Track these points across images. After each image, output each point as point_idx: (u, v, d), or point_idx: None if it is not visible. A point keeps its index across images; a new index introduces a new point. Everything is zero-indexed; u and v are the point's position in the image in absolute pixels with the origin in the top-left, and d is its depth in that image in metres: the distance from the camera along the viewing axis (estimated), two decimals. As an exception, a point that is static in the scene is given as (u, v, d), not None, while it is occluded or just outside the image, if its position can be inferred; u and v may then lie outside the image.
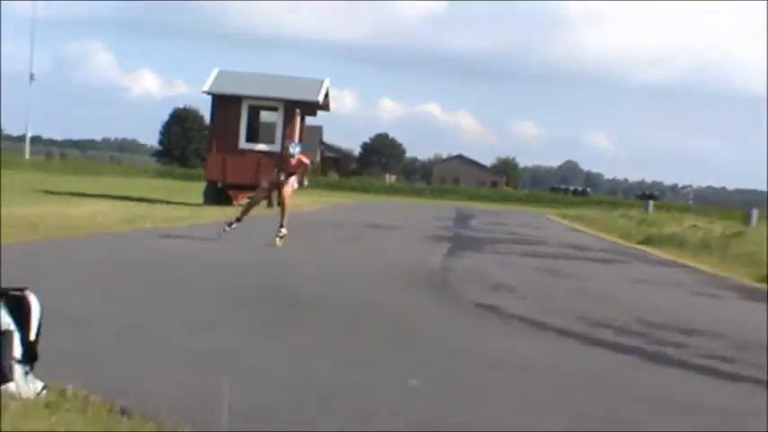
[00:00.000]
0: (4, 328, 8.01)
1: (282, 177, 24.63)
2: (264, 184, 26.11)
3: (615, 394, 12.03)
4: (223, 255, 23.79)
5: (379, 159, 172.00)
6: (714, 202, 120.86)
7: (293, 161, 24.24)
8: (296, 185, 26.43)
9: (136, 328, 13.23)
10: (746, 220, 58.82)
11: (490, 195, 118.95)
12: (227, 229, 24.81)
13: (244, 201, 47.66)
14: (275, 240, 24.36)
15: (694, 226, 56.22)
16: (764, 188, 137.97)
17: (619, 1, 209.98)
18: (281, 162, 24.74)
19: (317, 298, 18.11)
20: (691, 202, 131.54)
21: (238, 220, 25.18)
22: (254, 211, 26.58)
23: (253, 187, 48.15)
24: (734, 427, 10.72)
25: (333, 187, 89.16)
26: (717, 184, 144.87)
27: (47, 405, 7.73)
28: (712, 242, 45.12)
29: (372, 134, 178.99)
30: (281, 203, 24.49)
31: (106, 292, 16.45)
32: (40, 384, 8.06)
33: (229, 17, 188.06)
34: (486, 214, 70.99)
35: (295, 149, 24.46)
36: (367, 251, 32.38)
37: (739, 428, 10.69)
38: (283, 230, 25.10)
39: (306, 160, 25.74)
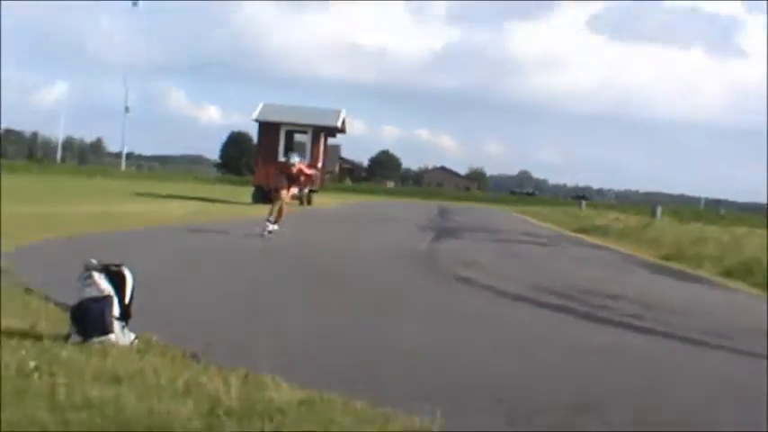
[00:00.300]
0: (105, 293, 8.35)
1: (285, 182, 23.68)
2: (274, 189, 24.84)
3: (557, 338, 12.44)
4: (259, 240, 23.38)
5: (382, 170, 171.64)
6: (629, 201, 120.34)
7: (294, 169, 23.41)
8: (295, 191, 25.52)
9: (201, 285, 13.18)
10: (653, 214, 59.81)
11: (465, 197, 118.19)
12: (269, 230, 23.44)
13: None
14: (264, 233, 23.08)
15: (616, 219, 56.72)
16: (666, 190, 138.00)
17: (561, 53, 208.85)
18: (283, 168, 24.08)
19: (335, 268, 18.30)
20: (613, 201, 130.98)
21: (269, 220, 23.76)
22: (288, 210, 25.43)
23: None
24: (645, 366, 10.94)
25: (347, 190, 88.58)
26: (632, 187, 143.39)
27: (138, 351, 8.04)
28: (628, 231, 45.59)
29: (377, 151, 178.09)
30: (280, 204, 23.37)
31: (179, 261, 16.86)
32: (132, 336, 8.38)
33: (272, 65, 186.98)
34: (462, 210, 70.48)
35: (294, 159, 23.80)
36: (372, 235, 32.42)
37: (650, 368, 10.84)
38: (270, 226, 23.52)
39: (308, 171, 24.81)
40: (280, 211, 23.52)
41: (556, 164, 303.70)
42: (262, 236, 22.74)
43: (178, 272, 16.33)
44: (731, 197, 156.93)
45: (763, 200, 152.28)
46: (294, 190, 24.54)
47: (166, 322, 9.77)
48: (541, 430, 7.12)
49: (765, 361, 11.45)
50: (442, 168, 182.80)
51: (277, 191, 23.37)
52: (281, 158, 49.91)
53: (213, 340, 8.59)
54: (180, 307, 11.89)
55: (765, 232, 44.10)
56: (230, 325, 10.95)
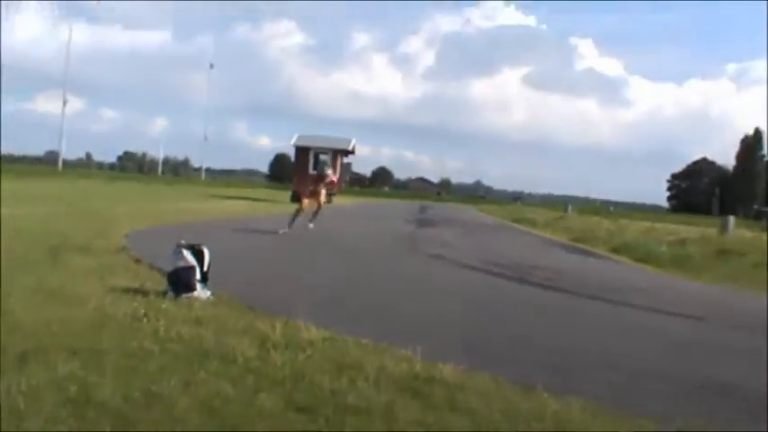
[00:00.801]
0: (191, 264, 8.44)
1: (320, 188, 22.44)
2: (306, 194, 22.92)
3: (501, 295, 12.45)
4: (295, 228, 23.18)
5: (380, 179, 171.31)
6: (549, 201, 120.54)
7: (328, 179, 22.76)
8: (324, 196, 23.64)
9: (259, 258, 13.16)
10: (565, 210, 60.03)
11: (437, 199, 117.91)
12: (311, 225, 21.83)
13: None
14: (309, 225, 21.51)
15: (540, 213, 57.11)
16: (574, 194, 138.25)
17: (502, 99, 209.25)
18: (320, 179, 22.65)
19: (344, 246, 18.22)
20: (538, 202, 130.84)
21: (292, 221, 21.29)
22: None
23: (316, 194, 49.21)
24: (554, 312, 11.03)
25: (355, 194, 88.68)
26: (551, 192, 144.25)
27: (213, 303, 8.07)
28: (549, 221, 45.61)
29: (376, 166, 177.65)
30: (318, 205, 22.34)
31: (243, 242, 16.59)
32: (209, 293, 8.41)
33: (304, 108, 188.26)
34: (436, 207, 70.47)
35: (328, 172, 22.95)
36: (373, 221, 32.21)
37: (557, 313, 10.97)
38: (311, 225, 21.66)
39: (335, 179, 24.83)
40: (318, 208, 22.32)
41: (499, 175, 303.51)
42: (310, 224, 21.62)
43: (242, 242, 16.29)
44: (618, 199, 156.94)
45: (637, 201, 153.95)
46: (324, 194, 23.16)
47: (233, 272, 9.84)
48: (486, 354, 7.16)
49: (633, 309, 11.61)
50: (421, 179, 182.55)
51: (313, 194, 22.16)
52: (312, 171, 50.42)
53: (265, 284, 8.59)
54: (241, 265, 11.96)
55: (640, 223, 44.19)
56: (276, 277, 11.03)
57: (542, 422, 4.96)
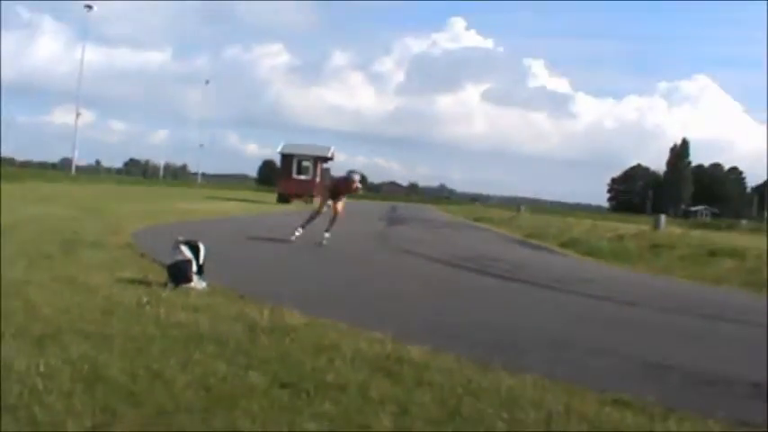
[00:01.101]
0: (188, 258, 8.39)
1: (342, 195, 17.23)
2: (321, 203, 17.96)
3: (463, 284, 12.56)
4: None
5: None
6: (505, 202, 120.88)
7: (353, 185, 17.11)
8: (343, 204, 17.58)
9: (251, 253, 13.07)
10: (518, 210, 60.10)
11: (407, 200, 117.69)
12: (298, 233, 16.54)
13: (296, 201, 48.46)
14: (324, 237, 16.56)
15: (497, 213, 57.46)
16: (526, 195, 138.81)
17: (464, 112, 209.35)
18: (340, 183, 17.64)
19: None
20: (495, 203, 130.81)
21: (303, 228, 16.75)
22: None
23: (299, 196, 49.03)
24: (509, 297, 11.10)
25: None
26: (505, 194, 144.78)
27: (207, 293, 8.02)
28: (504, 220, 45.81)
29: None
30: (335, 213, 17.00)
31: (234, 240, 16.52)
32: (205, 283, 8.35)
33: (289, 119, 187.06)
34: (405, 207, 70.58)
35: (355, 177, 17.29)
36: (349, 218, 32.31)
37: (510, 299, 11.03)
38: (327, 236, 16.51)
39: (359, 186, 17.54)
40: (335, 216, 17.04)
41: (461, 179, 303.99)
42: (321, 244, 16.24)
43: (235, 235, 16.18)
44: (564, 200, 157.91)
45: (582, 201, 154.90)
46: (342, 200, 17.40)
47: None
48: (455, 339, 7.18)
49: (579, 296, 11.68)
50: (392, 183, 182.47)
51: (334, 201, 17.10)
52: (295, 175, 50.30)
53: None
54: (233, 254, 11.87)
55: (585, 222, 44.42)
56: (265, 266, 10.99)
57: (498, 396, 4.98)
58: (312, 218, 16.97)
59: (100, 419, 3.90)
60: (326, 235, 16.56)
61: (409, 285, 11.77)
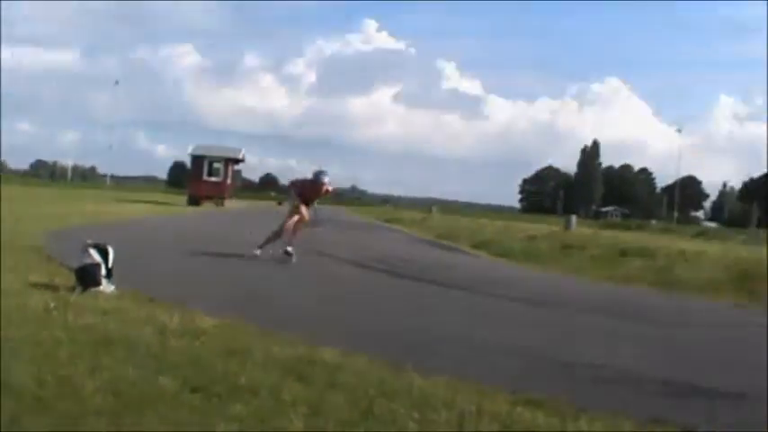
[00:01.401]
0: (96, 261, 8.22)
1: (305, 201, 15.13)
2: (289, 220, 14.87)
3: (375, 286, 12.61)
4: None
5: (267, 185, 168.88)
6: (416, 203, 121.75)
7: (323, 188, 15.09)
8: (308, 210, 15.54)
9: (161, 257, 12.83)
10: (430, 211, 60.67)
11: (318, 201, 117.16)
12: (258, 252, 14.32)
13: (206, 203, 47.89)
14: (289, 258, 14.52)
15: (407, 214, 58.12)
16: (437, 197, 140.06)
17: (377, 114, 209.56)
18: (308, 186, 15.26)
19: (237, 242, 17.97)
20: (405, 204, 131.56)
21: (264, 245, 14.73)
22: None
23: (209, 197, 48.48)
24: (418, 298, 11.18)
25: (245, 198, 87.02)
26: (417, 195, 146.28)
27: (117, 297, 7.90)
28: (415, 221, 46.33)
29: (264, 173, 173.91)
30: (300, 220, 14.99)
31: (144, 242, 16.26)
32: (113, 287, 8.18)
33: (201, 120, 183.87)
34: (315, 209, 70.31)
35: (325, 179, 15.05)
36: (256, 218, 31.86)
37: (421, 299, 11.11)
38: (289, 248, 14.51)
39: (330, 189, 15.45)
40: (297, 227, 15.06)
41: (372, 181, 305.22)
42: (288, 254, 14.49)
43: (149, 237, 15.93)
44: (476, 201, 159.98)
45: (493, 202, 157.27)
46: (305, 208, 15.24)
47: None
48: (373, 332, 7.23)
49: (491, 297, 11.88)
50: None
51: (297, 208, 14.99)
52: (205, 177, 49.58)
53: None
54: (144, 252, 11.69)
55: (497, 222, 45.12)
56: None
57: (410, 396, 5.04)
58: (295, 230, 15.10)
59: (6, 428, 3.83)
60: (290, 248, 14.67)
61: (321, 287, 11.80)
